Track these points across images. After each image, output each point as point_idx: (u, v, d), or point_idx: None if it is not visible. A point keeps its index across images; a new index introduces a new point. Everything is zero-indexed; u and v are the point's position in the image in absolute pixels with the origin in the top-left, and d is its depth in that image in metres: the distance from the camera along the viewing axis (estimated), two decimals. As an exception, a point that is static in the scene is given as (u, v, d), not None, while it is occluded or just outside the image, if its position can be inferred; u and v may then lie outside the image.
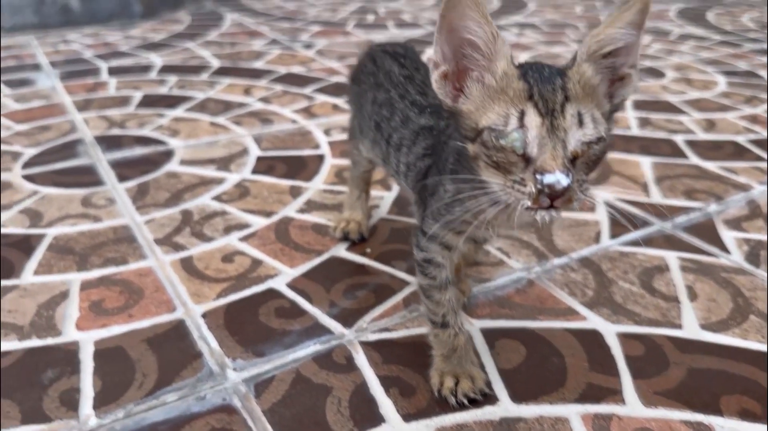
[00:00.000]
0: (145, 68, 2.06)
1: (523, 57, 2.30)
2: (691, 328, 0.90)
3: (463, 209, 0.69)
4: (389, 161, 0.85)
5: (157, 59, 2.17)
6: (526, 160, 0.56)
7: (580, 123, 0.56)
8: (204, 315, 0.91)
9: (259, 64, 2.12)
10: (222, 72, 2.03)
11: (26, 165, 1.36)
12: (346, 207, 1.11)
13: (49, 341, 0.86)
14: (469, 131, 0.61)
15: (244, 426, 0.72)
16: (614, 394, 0.78)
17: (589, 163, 0.58)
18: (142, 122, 1.60)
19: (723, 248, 1.10)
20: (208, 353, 0.83)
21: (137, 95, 1.80)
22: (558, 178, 0.54)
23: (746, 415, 0.75)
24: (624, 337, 0.88)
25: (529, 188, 0.55)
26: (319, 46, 2.38)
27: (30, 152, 1.43)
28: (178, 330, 0.88)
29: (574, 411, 0.75)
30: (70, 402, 0.76)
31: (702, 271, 1.03)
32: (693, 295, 0.97)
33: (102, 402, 0.76)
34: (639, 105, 1.79)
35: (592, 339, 0.87)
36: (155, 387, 0.78)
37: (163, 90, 1.85)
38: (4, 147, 1.45)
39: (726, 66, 2.23)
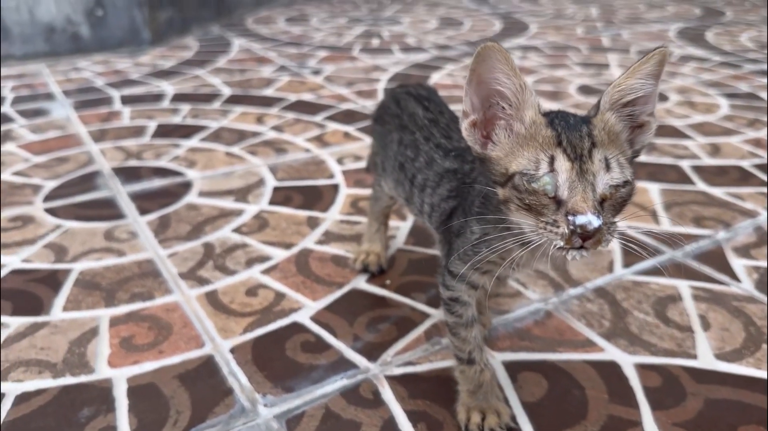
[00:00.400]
0: (158, 97, 2.10)
1: (527, 80, 2.33)
2: (706, 358, 0.92)
3: (490, 250, 0.72)
4: (413, 200, 0.88)
5: (168, 87, 2.20)
6: (558, 202, 0.59)
7: (608, 167, 0.59)
8: (232, 351, 0.93)
9: (269, 92, 2.16)
10: (234, 100, 2.06)
11: (47, 198, 1.39)
12: (365, 239, 1.14)
13: (83, 378, 0.88)
14: (498, 176, 0.64)
15: (279, 463, 0.75)
16: (635, 426, 0.80)
17: (616, 206, 0.61)
18: (159, 153, 1.63)
19: (733, 276, 1.12)
20: (239, 389, 0.86)
21: (152, 125, 1.83)
22: (589, 219, 0.57)
23: (764, 447, 0.77)
24: (641, 368, 0.90)
25: (562, 229, 0.58)
26: (327, 71, 2.42)
27: (50, 185, 1.46)
28: (208, 366, 0.90)
29: (597, 444, 0.78)
30: (107, 441, 0.78)
31: (714, 300, 1.06)
32: (706, 325, 1.00)
33: (139, 440, 0.78)
34: (644, 129, 1.82)
35: (610, 371, 0.90)
36: (190, 424, 0.80)
37: (176, 119, 1.88)
38: (24, 179, 1.48)
39: (727, 88, 2.27)
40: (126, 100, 2.05)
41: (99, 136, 1.74)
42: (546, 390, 0.86)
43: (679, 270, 1.14)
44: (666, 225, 1.30)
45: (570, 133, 0.60)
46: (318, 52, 2.75)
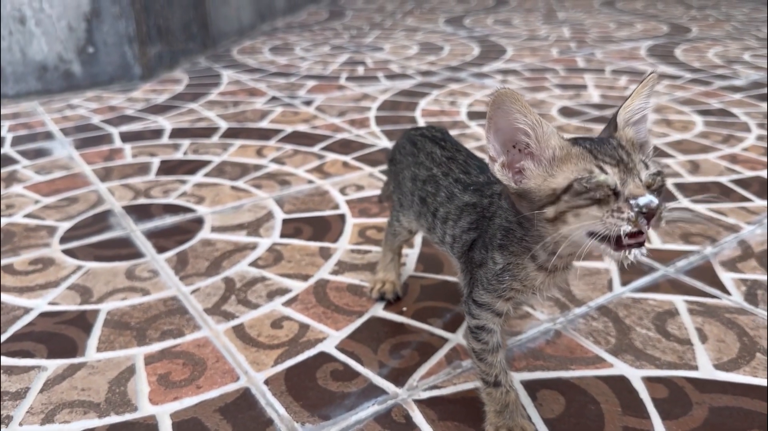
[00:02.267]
0: (156, 132, 2.14)
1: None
2: (706, 369, 1.00)
3: (512, 277, 0.80)
4: (435, 231, 0.95)
5: (165, 122, 2.25)
6: (616, 194, 0.65)
7: (646, 165, 0.68)
8: (266, 382, 0.98)
9: (264, 124, 2.22)
10: (231, 133, 2.12)
11: (63, 239, 1.43)
12: (380, 268, 1.20)
13: (128, 417, 0.93)
14: (544, 199, 0.70)
15: (326, 487, 0.80)
16: (648, 436, 0.87)
17: (658, 191, 0.68)
18: (166, 190, 1.68)
19: (723, 289, 1.21)
20: (278, 419, 0.91)
21: (155, 162, 1.88)
22: (650, 198, 0.64)
23: (767, 449, 0.85)
24: (649, 381, 0.98)
25: (627, 213, 0.64)
26: (318, 101, 2.49)
27: (64, 226, 1.49)
28: (246, 399, 0.95)
29: (615, 454, 0.84)
30: (160, 475, 0.83)
31: (708, 313, 1.14)
32: (703, 337, 1.08)
33: (190, 473, 0.83)
34: (627, 149, 1.92)
35: (621, 385, 0.97)
36: (237, 455, 0.85)
37: (178, 155, 1.93)
38: (37, 221, 1.52)
39: (700, 105, 2.39)
40: (126, 137, 2.10)
41: (104, 175, 1.79)
42: (564, 406, 0.93)
43: (674, 285, 1.22)
44: (656, 243, 1.38)
45: (600, 147, 0.69)
46: (306, 81, 2.82)
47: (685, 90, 2.61)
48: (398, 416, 0.91)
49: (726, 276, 1.25)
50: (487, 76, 2.88)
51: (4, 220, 1.53)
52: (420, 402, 0.94)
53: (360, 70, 3.02)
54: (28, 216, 1.55)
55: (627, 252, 0.65)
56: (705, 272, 1.27)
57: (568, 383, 0.97)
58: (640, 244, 0.65)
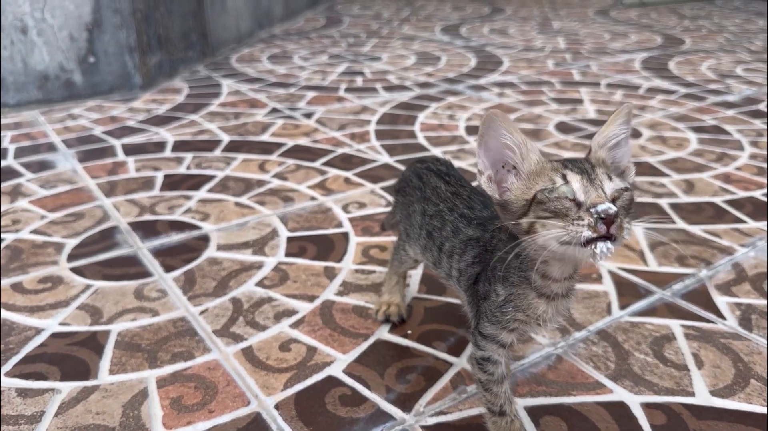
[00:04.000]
0: (159, 145, 2.16)
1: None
2: (702, 395, 1.04)
3: (515, 308, 0.83)
4: (441, 266, 0.98)
5: (167, 135, 2.27)
6: (578, 205, 0.71)
7: (609, 178, 0.73)
8: (277, 407, 1.01)
9: (266, 137, 2.24)
10: (233, 147, 2.14)
11: (71, 257, 1.45)
12: (385, 291, 1.23)
13: (143, 440, 0.95)
14: (519, 209, 0.75)
15: None
16: (648, 463, 0.91)
17: (624, 206, 0.73)
18: (171, 206, 1.70)
19: (719, 314, 1.25)
20: (290, 445, 0.94)
21: (159, 176, 1.90)
22: (608, 205, 0.69)
23: (761, 477, 0.88)
24: (647, 407, 1.01)
25: (587, 220, 0.69)
26: (318, 113, 2.51)
27: (71, 243, 1.51)
28: (258, 424, 0.98)
29: (616, 481, 0.88)
30: (177, 500, 0.85)
31: (704, 338, 1.17)
32: (699, 363, 1.11)
33: (206, 499, 0.85)
34: (623, 168, 1.96)
35: (621, 412, 1.00)
36: (251, 481, 0.88)
37: (181, 169, 1.95)
38: (44, 238, 1.54)
39: (694, 122, 2.43)
40: (128, 150, 2.12)
41: (109, 190, 1.80)
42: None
43: (671, 309, 1.26)
44: (653, 266, 1.42)
45: (572, 161, 0.75)
46: (305, 92, 2.84)
47: (679, 105, 2.65)
48: (406, 442, 0.94)
49: (721, 300, 1.29)
50: (485, 89, 2.91)
51: (12, 236, 1.55)
52: (427, 428, 0.97)
53: (359, 81, 3.05)
54: (35, 232, 1.57)
55: (593, 247, 0.69)
56: (700, 296, 1.30)
57: (569, 409, 1.01)
58: (606, 238, 0.69)
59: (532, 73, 3.23)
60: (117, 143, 2.18)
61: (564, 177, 0.72)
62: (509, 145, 0.77)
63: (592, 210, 0.69)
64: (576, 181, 0.71)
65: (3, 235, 1.55)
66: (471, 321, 0.92)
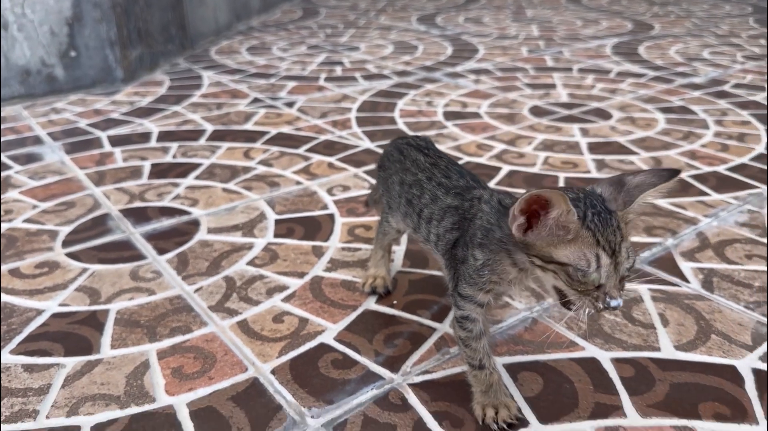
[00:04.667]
0: (144, 136, 2.21)
1: (484, 105, 2.54)
2: (667, 350, 1.12)
3: (491, 272, 0.90)
4: (420, 230, 1.05)
5: (152, 126, 2.31)
6: (597, 286, 0.79)
7: (628, 257, 0.80)
8: (273, 372, 1.08)
9: (249, 126, 2.29)
10: (217, 136, 2.19)
11: (65, 243, 1.50)
12: (371, 265, 1.30)
13: (147, 407, 1.01)
14: (538, 255, 0.82)
15: (335, 463, 0.90)
16: (617, 410, 0.99)
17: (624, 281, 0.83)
18: (160, 193, 1.75)
19: (683, 278, 1.33)
20: (287, 405, 1.01)
21: (146, 165, 1.95)
22: (619, 302, 0.79)
23: (720, 418, 0.97)
24: (617, 362, 1.09)
25: (600, 305, 0.80)
26: (299, 102, 2.57)
27: (64, 230, 1.56)
28: (256, 387, 1.04)
29: (588, 427, 0.96)
30: (183, 457, 0.92)
31: (669, 300, 1.26)
32: (665, 322, 1.20)
33: (211, 455, 0.92)
34: (594, 148, 2.05)
35: (592, 367, 1.08)
36: (252, 437, 0.94)
37: (168, 158, 2.00)
38: (38, 226, 1.58)
39: (663, 103, 2.53)
40: (114, 141, 2.15)
41: (98, 179, 1.85)
42: (542, 386, 1.04)
43: (639, 275, 1.34)
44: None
45: (605, 230, 0.78)
46: (286, 82, 2.89)
47: (648, 88, 2.75)
48: (395, 398, 1.02)
49: (685, 266, 1.38)
50: (461, 76, 2.98)
51: (5, 225, 1.59)
52: (414, 386, 1.04)
53: (338, 71, 3.10)
54: (28, 221, 1.61)
55: (583, 313, 0.81)
56: (666, 262, 1.39)
57: (545, 365, 1.09)
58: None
59: (506, 60, 3.31)
60: (103, 135, 2.22)
61: (598, 259, 0.77)
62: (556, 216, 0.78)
63: (608, 300, 0.79)
64: (605, 266, 0.78)
65: (-4, 225, 1.59)
66: (449, 283, 0.99)
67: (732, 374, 1.06)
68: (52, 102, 2.60)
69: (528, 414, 0.98)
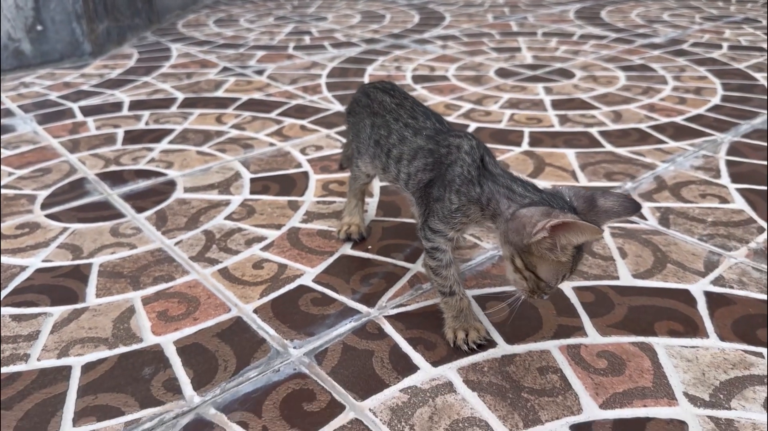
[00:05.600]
0: (116, 105, 2.22)
1: (452, 68, 2.59)
2: (626, 278, 1.20)
3: (463, 215, 0.96)
4: (389, 170, 1.10)
5: (123, 96, 2.32)
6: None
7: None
8: (255, 311, 1.13)
9: (220, 93, 2.32)
10: (188, 103, 2.21)
11: (44, 206, 1.52)
12: (346, 213, 1.35)
13: (135, 347, 1.06)
14: (524, 262, 0.89)
15: (317, 385, 0.96)
16: (579, 330, 1.06)
17: None
18: (135, 157, 1.78)
19: (641, 216, 1.41)
20: (270, 338, 1.06)
21: (119, 132, 1.97)
22: (548, 295, 0.93)
23: (674, 334, 1.05)
24: (578, 290, 1.17)
25: (536, 297, 0.92)
26: (269, 70, 2.59)
27: (42, 194, 1.58)
28: (239, 325, 1.09)
29: (552, 345, 1.03)
30: (173, 388, 0.97)
31: (628, 236, 1.34)
32: (624, 254, 1.28)
33: (199, 385, 0.97)
34: (557, 105, 2.12)
35: (555, 295, 1.15)
36: (238, 368, 1.00)
37: (140, 125, 2.02)
38: (15, 191, 1.60)
39: (623, 62, 2.61)
40: (86, 111, 2.16)
41: (72, 147, 1.86)
42: (508, 312, 1.11)
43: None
44: (584, 181, 1.58)
45: (578, 260, 0.89)
46: (255, 51, 2.91)
47: (609, 49, 2.82)
48: (372, 329, 1.08)
49: (644, 206, 1.45)
50: (429, 42, 3.03)
51: (-18, 192, 1.60)
52: (389, 317, 1.10)
53: (307, 40, 3.12)
54: (5, 187, 1.63)
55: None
56: (625, 203, 1.47)
57: (511, 296, 1.15)
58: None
59: (472, 26, 3.36)
60: (74, 106, 2.23)
61: (564, 276, 0.90)
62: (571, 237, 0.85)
63: (543, 295, 0.92)
64: (560, 279, 0.90)
65: (-27, 192, 1.61)
66: (419, 218, 1.05)
67: (686, 296, 1.14)
68: (20, 77, 2.59)
69: (496, 336, 1.05)
